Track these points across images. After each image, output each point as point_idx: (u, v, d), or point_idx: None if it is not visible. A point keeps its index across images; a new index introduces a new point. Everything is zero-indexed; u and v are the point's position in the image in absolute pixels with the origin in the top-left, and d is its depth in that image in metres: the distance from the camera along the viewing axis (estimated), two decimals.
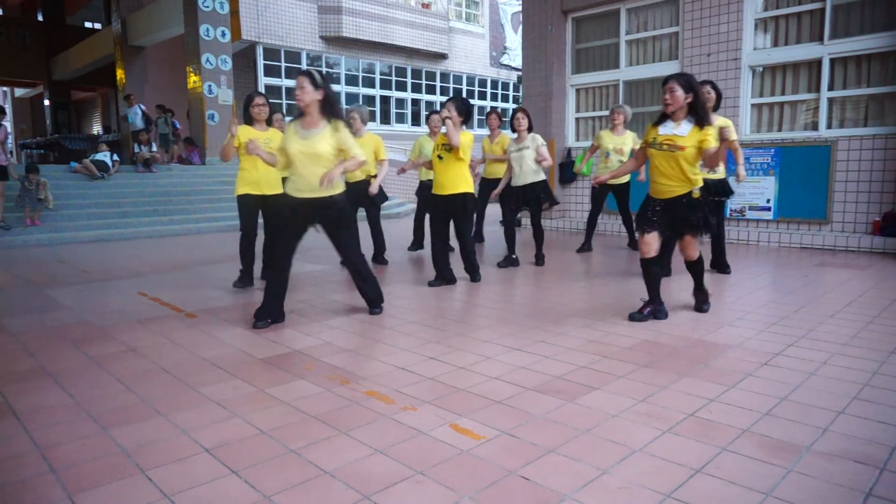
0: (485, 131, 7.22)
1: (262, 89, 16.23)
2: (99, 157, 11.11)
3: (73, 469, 2.13)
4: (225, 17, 13.42)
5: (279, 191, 4.68)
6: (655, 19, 8.80)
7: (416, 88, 20.44)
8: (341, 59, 18.42)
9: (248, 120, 5.02)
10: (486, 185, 7.14)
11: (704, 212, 3.86)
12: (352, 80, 18.78)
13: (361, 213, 6.38)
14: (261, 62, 16.65)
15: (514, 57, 22.29)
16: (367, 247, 6.45)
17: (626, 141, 6.70)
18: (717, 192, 5.13)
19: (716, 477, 2.01)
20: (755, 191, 7.75)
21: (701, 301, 4.22)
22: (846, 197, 7.14)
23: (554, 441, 2.29)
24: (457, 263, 5.46)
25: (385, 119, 19.78)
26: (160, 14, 15.26)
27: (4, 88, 26.91)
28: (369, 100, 19.22)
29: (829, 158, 7.18)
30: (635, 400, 2.67)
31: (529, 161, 5.93)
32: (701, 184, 3.87)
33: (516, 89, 22.76)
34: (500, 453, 2.20)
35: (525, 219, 9.37)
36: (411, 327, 3.95)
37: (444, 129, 4.99)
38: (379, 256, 6.50)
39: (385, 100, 19.71)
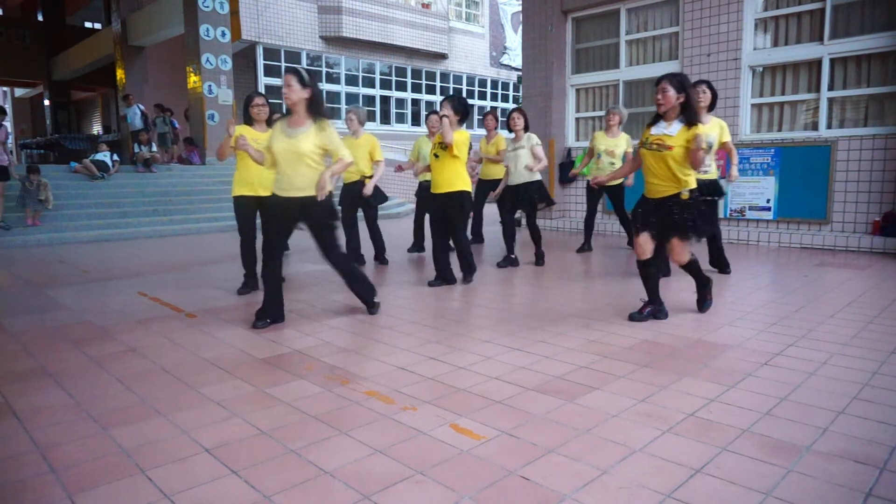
0: (484, 132, 7.23)
1: (262, 89, 16.22)
2: (99, 157, 11.11)
3: (73, 469, 2.13)
4: (225, 17, 13.42)
5: None
6: (655, 19, 8.81)
7: (416, 88, 20.44)
8: (341, 59, 18.41)
9: (248, 120, 5.00)
10: (483, 185, 7.15)
11: (694, 215, 3.81)
12: (352, 80, 18.78)
13: (361, 213, 6.39)
14: (261, 62, 16.65)
15: (514, 57, 22.29)
16: (367, 248, 6.50)
17: (619, 143, 6.71)
18: (709, 192, 5.12)
19: (716, 477, 2.01)
20: (755, 191, 7.75)
21: (701, 300, 4.21)
22: (846, 197, 7.14)
23: (554, 441, 2.29)
24: (457, 263, 5.46)
25: (385, 119, 19.78)
26: (160, 14, 15.26)
27: (4, 88, 26.91)
28: (369, 100, 19.22)
29: (829, 158, 7.18)
30: (635, 400, 2.67)
31: (524, 160, 5.96)
32: (692, 185, 3.83)
33: (516, 89, 22.75)
34: (500, 453, 2.20)
35: (524, 219, 9.37)
36: (411, 327, 3.95)
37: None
38: (380, 257, 6.50)
39: (385, 100, 19.70)
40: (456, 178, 5.05)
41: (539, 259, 6.27)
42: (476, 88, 22.18)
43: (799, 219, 7.49)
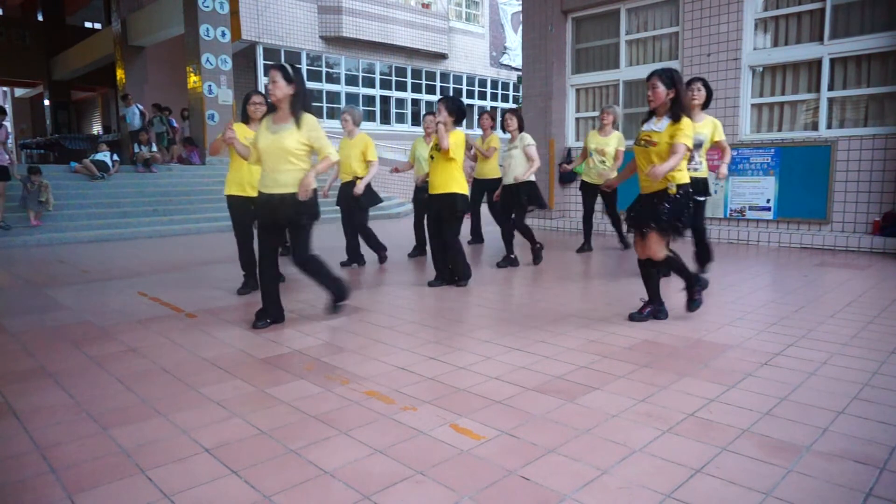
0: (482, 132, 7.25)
1: (262, 89, 16.17)
2: (99, 157, 11.11)
3: (73, 469, 2.13)
4: (225, 17, 13.41)
5: None
6: (655, 19, 8.81)
7: (416, 88, 20.44)
8: (341, 59, 18.42)
9: (246, 118, 5.00)
10: (478, 185, 7.13)
11: (677, 211, 3.73)
12: (352, 80, 18.78)
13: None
14: (261, 62, 16.65)
15: (514, 57, 22.29)
16: (366, 248, 6.48)
17: (610, 142, 6.71)
18: (696, 190, 5.06)
19: (716, 477, 2.01)
20: (755, 191, 7.75)
21: (689, 300, 4.04)
22: (846, 197, 7.14)
23: (554, 441, 2.29)
24: None
25: (385, 119, 19.78)
26: (160, 14, 15.26)
27: (4, 88, 26.90)
28: (369, 100, 19.22)
29: (829, 158, 7.18)
30: (635, 400, 2.67)
31: (518, 161, 5.98)
32: (683, 181, 3.76)
33: (516, 89, 22.75)
34: (500, 453, 2.20)
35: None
36: (411, 327, 3.95)
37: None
38: (381, 257, 6.49)
39: (385, 100, 19.70)
40: (451, 181, 5.03)
41: (536, 255, 6.26)
42: (476, 88, 22.18)
43: (799, 219, 7.49)
